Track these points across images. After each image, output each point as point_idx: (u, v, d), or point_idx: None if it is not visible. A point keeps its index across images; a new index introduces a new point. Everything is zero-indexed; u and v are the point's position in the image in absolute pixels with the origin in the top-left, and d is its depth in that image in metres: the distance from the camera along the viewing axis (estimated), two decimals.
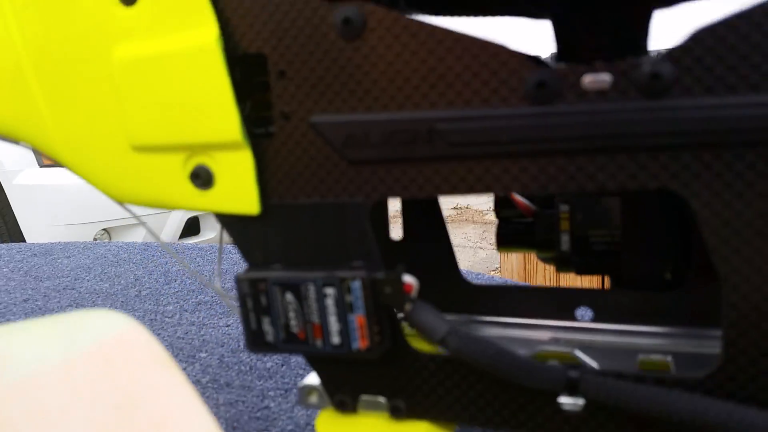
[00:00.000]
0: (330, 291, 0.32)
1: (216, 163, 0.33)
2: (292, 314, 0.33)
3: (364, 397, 0.35)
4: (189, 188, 0.34)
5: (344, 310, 0.32)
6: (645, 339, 0.40)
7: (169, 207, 0.35)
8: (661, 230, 0.40)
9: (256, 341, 0.34)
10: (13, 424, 0.22)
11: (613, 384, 0.30)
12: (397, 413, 0.35)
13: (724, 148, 0.27)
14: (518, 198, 0.43)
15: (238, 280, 0.34)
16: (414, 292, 0.32)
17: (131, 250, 1.08)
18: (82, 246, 1.13)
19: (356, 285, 0.31)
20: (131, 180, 0.35)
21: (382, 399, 0.35)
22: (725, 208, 0.27)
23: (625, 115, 0.27)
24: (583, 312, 0.42)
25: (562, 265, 0.43)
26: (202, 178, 0.33)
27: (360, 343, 0.32)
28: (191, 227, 2.30)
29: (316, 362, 0.36)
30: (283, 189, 0.33)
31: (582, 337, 0.41)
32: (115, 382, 0.24)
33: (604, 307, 0.41)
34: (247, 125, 0.32)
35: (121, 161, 0.35)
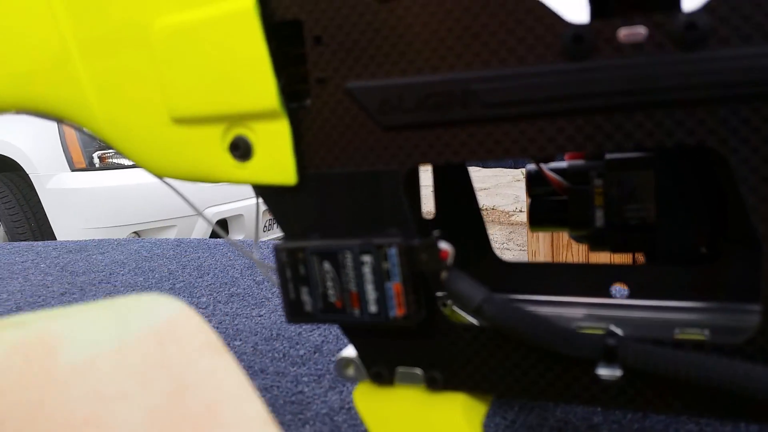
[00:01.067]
0: (367, 259, 0.32)
1: (254, 134, 0.34)
2: (329, 283, 0.33)
3: (401, 369, 0.36)
4: (228, 160, 0.35)
5: (381, 277, 0.32)
6: (681, 314, 0.39)
7: (209, 180, 0.36)
8: (696, 203, 0.39)
9: (294, 311, 0.35)
10: (69, 406, 0.23)
11: (652, 350, 0.30)
12: (434, 384, 0.35)
13: (763, 101, 0.26)
14: (551, 174, 0.43)
15: (277, 251, 0.34)
16: (450, 259, 0.32)
17: (164, 246, 1.09)
18: (115, 243, 1.16)
19: (393, 252, 0.32)
20: (171, 153, 0.36)
21: (418, 371, 0.35)
22: (764, 164, 0.27)
23: (661, 68, 0.27)
24: (618, 290, 0.42)
25: (596, 242, 0.43)
26: (240, 149, 0.34)
27: (397, 311, 0.32)
28: (221, 227, 2.33)
29: (352, 333, 0.36)
30: (319, 158, 0.34)
31: (617, 313, 0.40)
32: (167, 367, 0.24)
33: (639, 283, 0.41)
34: (283, 99, 0.33)
35: (161, 135, 0.35)
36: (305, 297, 0.34)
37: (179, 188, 0.41)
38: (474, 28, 0.29)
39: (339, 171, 0.33)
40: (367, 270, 0.32)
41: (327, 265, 0.33)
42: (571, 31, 0.28)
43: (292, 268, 0.34)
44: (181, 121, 0.35)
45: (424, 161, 0.32)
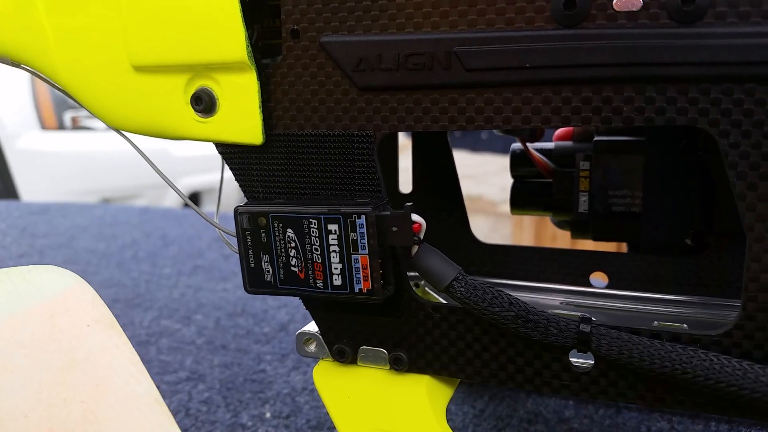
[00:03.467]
0: (333, 227, 0.30)
1: (219, 87, 0.31)
2: (292, 252, 0.31)
3: (365, 348, 0.34)
4: (190, 114, 0.32)
5: (348, 248, 0.30)
6: (661, 306, 0.38)
7: (168, 135, 0.33)
8: (684, 192, 0.38)
9: (253, 280, 0.32)
10: None
11: (627, 338, 0.28)
12: (399, 365, 0.33)
13: (758, 82, 0.25)
14: (537, 155, 0.41)
15: (238, 213, 0.32)
16: (421, 233, 0.30)
17: (129, 213, 1.06)
18: (79, 207, 1.12)
19: (361, 222, 0.29)
20: (130, 104, 0.33)
21: (383, 351, 0.33)
22: (755, 149, 0.25)
23: (655, 40, 0.25)
24: (598, 280, 0.40)
25: (579, 229, 0.41)
26: (204, 102, 0.31)
27: (363, 284, 0.30)
28: (192, 200, 2.29)
29: (314, 307, 0.34)
30: (288, 118, 0.31)
31: (595, 302, 0.39)
32: (58, 341, 0.24)
33: (620, 272, 0.39)
34: (254, 54, 0.30)
35: (122, 84, 0.33)
36: (266, 265, 0.32)
37: (151, 157, 0.38)
38: None
39: (309, 132, 0.31)
40: (333, 239, 0.30)
41: (290, 233, 0.31)
42: None
43: (253, 234, 0.32)
44: (143, 69, 0.32)
45: (401, 127, 0.30)
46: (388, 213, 0.29)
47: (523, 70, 0.27)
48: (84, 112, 2.17)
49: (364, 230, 0.29)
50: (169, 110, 0.32)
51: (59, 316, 0.25)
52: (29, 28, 0.34)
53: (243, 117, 0.31)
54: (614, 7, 0.26)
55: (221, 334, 0.63)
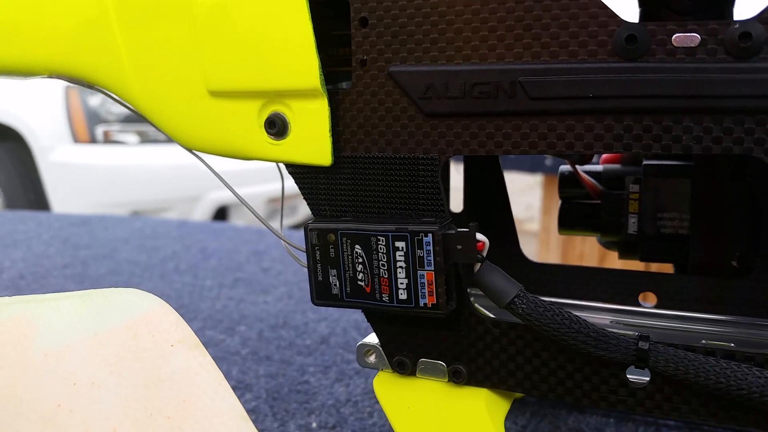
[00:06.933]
0: (401, 245, 0.31)
1: (291, 112, 0.33)
2: (359, 267, 0.33)
3: (424, 361, 0.35)
4: (263, 137, 0.34)
5: (414, 265, 0.31)
6: (708, 326, 0.39)
7: (241, 156, 0.35)
8: (731, 215, 0.39)
9: (321, 293, 0.34)
10: (41, 391, 0.23)
11: (684, 355, 0.29)
12: (458, 378, 0.34)
13: None
14: (586, 177, 0.42)
15: (308, 230, 0.33)
16: (484, 251, 0.31)
17: (168, 226, 1.09)
18: (118, 219, 1.14)
19: (428, 240, 0.31)
20: (205, 127, 0.35)
21: (442, 364, 0.35)
22: None
23: (712, 75, 0.27)
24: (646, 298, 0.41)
25: (626, 250, 0.42)
26: (277, 126, 0.33)
27: (428, 299, 0.32)
28: (219, 215, 2.32)
29: (377, 321, 0.35)
30: (356, 141, 0.33)
31: (644, 321, 0.40)
32: (142, 360, 0.25)
33: (668, 292, 0.40)
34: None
35: (196, 107, 0.35)
36: (333, 279, 0.33)
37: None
38: (526, 19, 0.29)
39: (376, 155, 0.33)
40: (400, 256, 0.32)
41: (358, 249, 0.32)
42: (626, 31, 0.28)
43: (322, 249, 0.33)
44: (219, 94, 0.34)
45: (465, 151, 0.31)
46: (453, 232, 0.31)
47: (585, 99, 0.29)
48: (116, 127, 2.22)
49: (431, 248, 0.31)
50: (243, 133, 0.34)
51: (142, 336, 0.26)
52: (104, 50, 0.36)
53: (313, 140, 0.33)
54: (673, 42, 0.27)
55: (265, 345, 0.65)
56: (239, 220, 2.36)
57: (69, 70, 0.37)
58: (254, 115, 0.34)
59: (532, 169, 1.24)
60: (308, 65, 0.32)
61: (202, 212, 2.23)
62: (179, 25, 0.34)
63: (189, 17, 0.34)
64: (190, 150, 0.37)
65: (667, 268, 0.46)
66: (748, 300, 0.39)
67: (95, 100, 2.16)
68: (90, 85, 0.39)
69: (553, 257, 1.48)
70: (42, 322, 0.25)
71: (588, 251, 1.40)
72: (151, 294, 0.27)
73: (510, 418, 0.50)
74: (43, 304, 0.26)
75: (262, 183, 2.14)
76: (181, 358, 0.25)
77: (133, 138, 2.21)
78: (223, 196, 2.24)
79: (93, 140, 2.19)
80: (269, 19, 0.32)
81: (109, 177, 2.15)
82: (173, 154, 2.12)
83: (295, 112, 0.33)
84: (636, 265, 0.44)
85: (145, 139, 2.20)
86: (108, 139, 2.21)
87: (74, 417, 0.23)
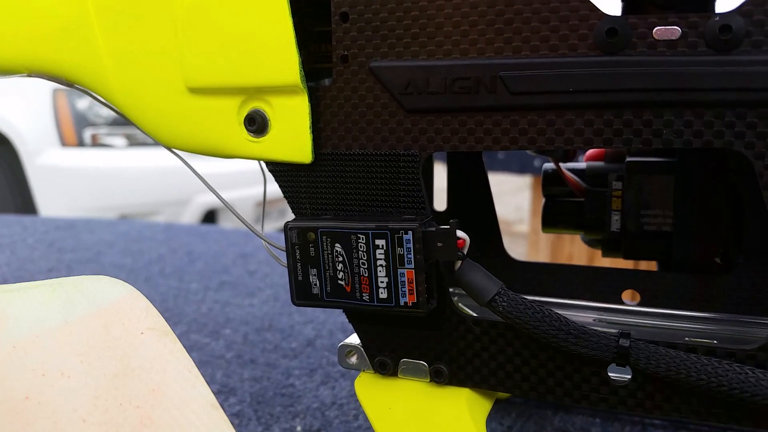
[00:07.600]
0: (381, 243, 0.31)
1: (271, 109, 0.33)
2: (340, 266, 0.32)
3: (406, 361, 0.35)
4: (242, 134, 0.33)
5: (394, 263, 0.31)
6: (692, 323, 0.39)
7: (221, 154, 0.35)
8: (714, 212, 0.39)
9: (301, 293, 0.34)
10: (9, 383, 0.23)
11: (665, 352, 0.29)
12: (439, 378, 0.34)
13: None
14: (569, 174, 0.42)
15: (288, 228, 0.33)
16: (465, 249, 0.31)
17: (154, 230, 1.08)
18: (104, 223, 1.14)
19: (408, 237, 0.31)
20: (184, 124, 0.35)
21: (423, 364, 0.34)
22: None
23: (693, 68, 0.27)
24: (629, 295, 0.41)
25: (610, 247, 0.42)
26: (256, 123, 0.33)
27: (408, 298, 0.31)
28: (208, 218, 2.31)
29: (358, 321, 0.35)
30: (336, 138, 0.33)
31: (627, 319, 0.40)
32: (112, 348, 0.25)
33: (651, 290, 0.40)
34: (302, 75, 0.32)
35: (176, 105, 0.34)
36: (313, 279, 0.33)
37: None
38: (507, 13, 0.29)
39: (357, 152, 0.32)
40: (380, 254, 0.31)
41: (338, 247, 0.32)
42: (607, 24, 0.28)
43: (302, 248, 0.33)
44: (198, 91, 0.34)
45: (446, 147, 0.31)
46: (433, 229, 0.31)
47: (566, 94, 0.28)
48: (104, 130, 2.20)
49: (411, 245, 0.31)
50: (223, 130, 0.34)
51: (113, 324, 0.25)
52: (84, 48, 0.35)
53: (293, 137, 0.33)
54: (654, 35, 0.27)
55: (250, 348, 0.64)
56: (228, 223, 2.35)
57: (49, 68, 0.37)
58: (234, 111, 0.33)
59: (521, 170, 1.24)
60: (288, 61, 0.31)
61: (190, 215, 2.22)
62: (158, 21, 0.34)
63: (169, 12, 0.33)
64: (170, 149, 0.36)
65: (652, 265, 0.46)
66: (731, 297, 0.39)
67: (83, 103, 2.15)
68: (70, 84, 0.38)
69: (542, 258, 1.48)
70: (10, 313, 0.24)
71: (577, 252, 1.40)
72: (121, 281, 0.27)
73: (496, 419, 0.49)
74: (12, 294, 0.25)
75: (251, 186, 2.14)
76: (151, 347, 0.25)
77: (121, 141, 2.20)
78: (211, 199, 2.23)
79: (81, 143, 2.18)
80: (249, 14, 0.31)
81: (97, 180, 2.14)
82: (162, 158, 2.11)
83: (275, 109, 0.33)
84: (621, 263, 0.44)
85: (133, 143, 2.19)
86: (96, 143, 2.20)
87: (43, 409, 0.23)
